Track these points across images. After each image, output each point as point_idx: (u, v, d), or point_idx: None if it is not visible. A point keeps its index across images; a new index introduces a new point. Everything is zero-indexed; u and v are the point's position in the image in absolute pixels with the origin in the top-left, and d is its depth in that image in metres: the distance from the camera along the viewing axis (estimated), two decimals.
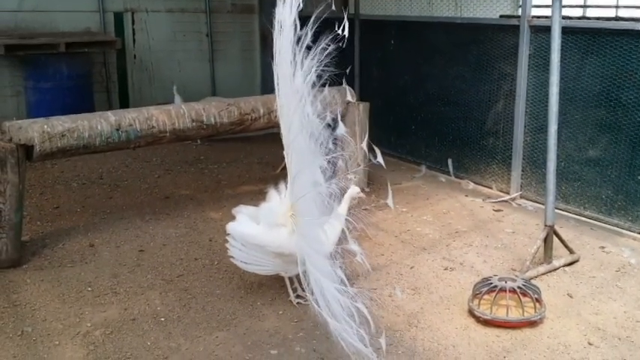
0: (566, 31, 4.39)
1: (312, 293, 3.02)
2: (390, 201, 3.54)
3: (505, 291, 3.44)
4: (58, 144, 4.13)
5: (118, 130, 4.36)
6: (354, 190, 3.72)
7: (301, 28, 3.21)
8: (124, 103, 7.88)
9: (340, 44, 3.29)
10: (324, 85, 3.48)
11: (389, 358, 3.10)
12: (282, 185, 3.58)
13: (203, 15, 8.45)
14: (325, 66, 3.35)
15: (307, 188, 3.30)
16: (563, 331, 3.35)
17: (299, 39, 3.22)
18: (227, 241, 3.59)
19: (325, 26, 3.17)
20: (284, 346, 3.21)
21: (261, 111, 5.01)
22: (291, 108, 3.24)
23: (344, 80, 3.80)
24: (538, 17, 5.17)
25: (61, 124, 4.17)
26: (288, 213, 3.43)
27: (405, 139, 6.63)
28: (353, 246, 3.36)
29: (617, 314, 3.52)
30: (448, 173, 6.09)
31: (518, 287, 3.45)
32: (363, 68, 7.08)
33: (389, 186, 3.54)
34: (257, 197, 3.79)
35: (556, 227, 4.10)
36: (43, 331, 3.32)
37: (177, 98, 7.27)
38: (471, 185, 5.81)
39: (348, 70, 3.78)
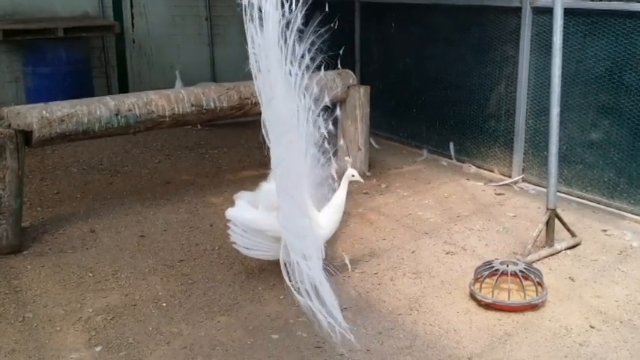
0: (568, 12, 4.36)
1: (289, 272, 3.12)
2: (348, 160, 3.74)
3: (507, 274, 3.44)
4: (57, 129, 4.11)
5: (117, 115, 4.34)
6: (349, 173, 3.70)
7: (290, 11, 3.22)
8: (124, 88, 7.83)
9: (332, 25, 3.28)
10: (319, 68, 3.49)
11: (390, 342, 3.11)
12: None
13: None
14: (321, 50, 3.35)
15: (278, 162, 3.26)
16: (564, 314, 3.35)
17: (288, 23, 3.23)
18: (228, 227, 3.59)
19: (316, 7, 3.16)
20: (285, 331, 3.21)
21: None
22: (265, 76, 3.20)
23: (339, 62, 3.77)
24: None
25: (59, 109, 4.15)
26: None
27: (406, 123, 6.60)
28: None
29: (619, 297, 3.51)
30: (450, 157, 6.06)
31: (520, 271, 3.44)
32: (364, 51, 7.03)
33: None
34: (258, 182, 3.78)
35: (558, 210, 4.09)
36: (44, 317, 3.33)
37: (179, 83, 7.22)
38: (473, 169, 5.79)
39: (341, 52, 3.75)
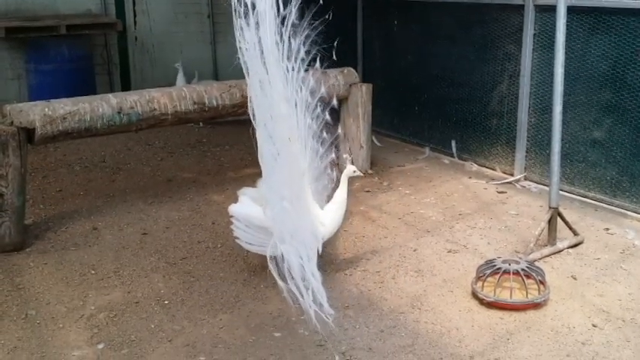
0: (571, 10, 4.34)
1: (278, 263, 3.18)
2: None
3: (509, 273, 3.43)
4: (59, 127, 4.11)
5: (119, 112, 4.34)
6: (349, 169, 3.70)
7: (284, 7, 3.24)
8: (126, 86, 7.84)
9: (327, 17, 3.28)
10: (314, 61, 3.49)
11: (392, 340, 3.11)
12: None
13: None
14: (316, 43, 3.36)
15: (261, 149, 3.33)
16: (567, 313, 3.34)
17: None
18: (231, 223, 3.60)
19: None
20: (287, 329, 3.21)
21: None
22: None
23: (334, 53, 3.76)
24: None
25: (62, 107, 4.16)
26: None
27: (409, 121, 6.59)
28: None
29: (621, 296, 3.51)
30: (452, 155, 6.06)
31: (522, 269, 3.44)
32: (366, 49, 7.02)
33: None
34: (259, 180, 3.78)
35: (560, 209, 4.08)
36: (46, 315, 3.33)
37: (180, 77, 7.20)
38: (475, 167, 5.78)
39: (336, 44, 3.74)
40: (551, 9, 4.38)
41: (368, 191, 5.21)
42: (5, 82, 7.18)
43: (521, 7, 5.14)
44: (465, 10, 5.78)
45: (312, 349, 3.04)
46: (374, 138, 6.13)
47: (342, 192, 3.67)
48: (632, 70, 4.47)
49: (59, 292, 3.57)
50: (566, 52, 3.88)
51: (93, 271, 3.81)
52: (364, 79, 6.07)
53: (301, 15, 3.38)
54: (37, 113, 4.04)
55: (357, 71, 5.76)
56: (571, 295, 3.52)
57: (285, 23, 3.32)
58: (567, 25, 3.86)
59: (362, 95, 5.47)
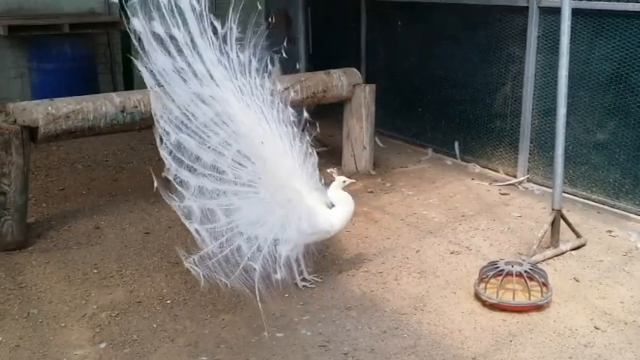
0: (576, 12, 4.33)
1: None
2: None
3: (512, 275, 3.43)
4: (62, 126, 4.11)
5: (122, 112, 4.34)
6: (339, 181, 3.66)
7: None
8: (129, 85, 7.83)
9: (270, 20, 3.28)
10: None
11: (395, 341, 3.10)
12: None
13: None
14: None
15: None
16: (569, 315, 3.34)
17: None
18: None
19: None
20: (290, 329, 3.21)
21: None
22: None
23: (283, 51, 3.76)
24: None
25: (65, 105, 4.16)
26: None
27: (412, 122, 6.58)
28: None
29: (623, 298, 3.50)
30: (455, 156, 6.05)
31: (525, 271, 3.43)
32: (370, 50, 7.01)
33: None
34: None
35: (563, 211, 4.08)
36: (48, 313, 3.33)
37: None
38: (478, 168, 5.78)
39: (285, 43, 3.75)
40: (556, 11, 4.37)
41: (371, 192, 5.21)
42: (8, 81, 7.18)
43: (526, 8, 5.14)
44: (468, 11, 5.77)
45: (314, 350, 3.04)
46: (377, 139, 6.12)
47: (343, 195, 3.65)
48: (635, 72, 4.46)
49: (61, 290, 3.57)
50: (570, 55, 3.87)
51: (95, 270, 3.81)
52: (367, 80, 6.06)
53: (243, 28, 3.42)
54: (40, 112, 4.04)
55: (360, 72, 5.76)
56: (573, 298, 3.51)
57: (228, 41, 3.35)
58: (572, 28, 3.85)
59: (365, 96, 5.47)
